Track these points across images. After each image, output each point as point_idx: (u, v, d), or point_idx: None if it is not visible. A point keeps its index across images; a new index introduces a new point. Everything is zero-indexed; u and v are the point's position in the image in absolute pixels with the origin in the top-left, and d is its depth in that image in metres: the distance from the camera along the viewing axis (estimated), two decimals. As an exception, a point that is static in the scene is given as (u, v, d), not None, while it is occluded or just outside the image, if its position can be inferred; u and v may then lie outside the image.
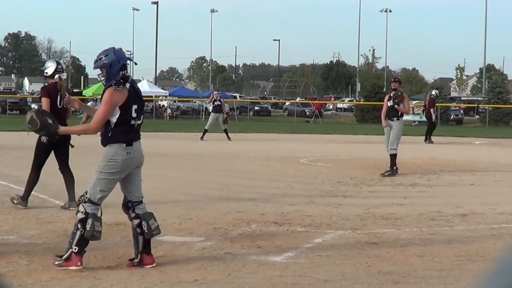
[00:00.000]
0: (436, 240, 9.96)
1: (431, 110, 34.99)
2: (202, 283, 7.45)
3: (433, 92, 39.78)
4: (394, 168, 18.41)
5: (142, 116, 8.28)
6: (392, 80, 20.62)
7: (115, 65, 8.14)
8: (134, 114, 8.12)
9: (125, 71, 8.24)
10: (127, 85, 8.13)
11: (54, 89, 12.07)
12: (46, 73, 12.25)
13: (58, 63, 12.52)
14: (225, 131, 32.65)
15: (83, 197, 8.15)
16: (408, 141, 29.67)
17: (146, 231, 8.12)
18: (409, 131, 37.88)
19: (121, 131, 8.06)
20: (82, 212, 8.03)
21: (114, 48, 8.35)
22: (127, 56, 8.43)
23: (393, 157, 18.48)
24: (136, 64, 9.15)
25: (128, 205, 8.24)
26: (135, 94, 8.17)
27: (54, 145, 12.18)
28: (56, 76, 12.13)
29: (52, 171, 17.48)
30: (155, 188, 15.05)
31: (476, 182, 17.50)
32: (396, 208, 12.85)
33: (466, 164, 22.40)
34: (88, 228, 7.93)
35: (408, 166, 20.87)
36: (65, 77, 12.44)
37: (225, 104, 35.02)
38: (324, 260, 8.58)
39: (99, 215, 8.07)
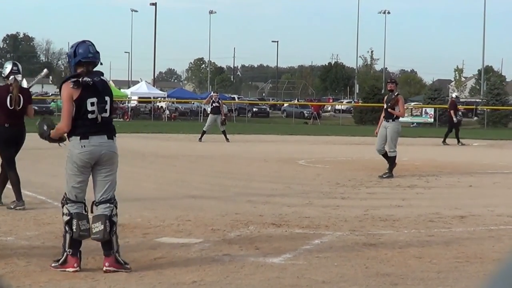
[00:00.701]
0: (435, 242, 9.96)
1: (451, 112, 35.04)
2: (200, 284, 7.45)
3: (453, 95, 39.95)
4: (392, 170, 18.40)
5: (107, 110, 8.14)
6: (388, 81, 20.44)
7: (71, 59, 8.22)
8: (90, 108, 8.04)
9: (87, 67, 8.13)
10: (86, 79, 8.02)
11: (5, 90, 12.17)
12: (4, 74, 12.40)
13: (14, 64, 12.58)
14: (224, 132, 32.65)
15: (64, 199, 8.15)
16: (407, 142, 29.69)
17: (74, 230, 7.95)
18: (407, 132, 37.95)
19: (78, 125, 8.06)
20: (66, 214, 8.04)
21: (81, 42, 8.29)
22: (92, 53, 8.18)
23: (392, 159, 18.46)
24: (101, 64, 8.91)
25: (95, 203, 8.19)
26: (94, 89, 8.06)
27: (13, 140, 12.21)
28: (11, 77, 12.25)
29: (50, 172, 17.51)
30: (154, 189, 15.07)
31: (475, 183, 17.50)
32: (394, 209, 12.85)
33: (464, 165, 22.40)
34: (74, 229, 7.93)
35: (407, 167, 20.87)
36: (19, 79, 12.45)
37: (223, 105, 34.98)
38: (322, 261, 8.58)
39: (84, 212, 8.07)
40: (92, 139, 8.05)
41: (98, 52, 8.31)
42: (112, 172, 8.19)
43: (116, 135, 8.36)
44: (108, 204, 8.08)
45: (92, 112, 8.07)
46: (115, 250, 8.00)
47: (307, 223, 11.24)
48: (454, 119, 34.07)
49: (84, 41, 8.30)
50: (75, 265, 7.92)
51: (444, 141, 33.93)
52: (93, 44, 8.32)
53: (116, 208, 8.19)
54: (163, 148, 27.70)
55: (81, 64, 8.14)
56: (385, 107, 18.73)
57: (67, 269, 7.85)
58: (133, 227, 10.40)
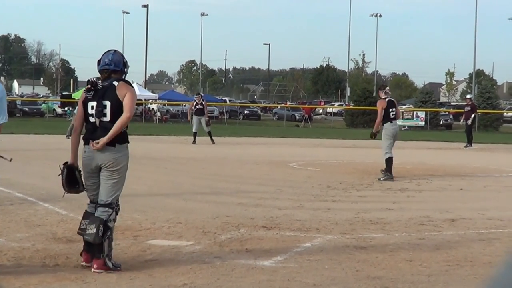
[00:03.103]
0: (425, 245, 9.97)
1: (466, 114, 35.48)
2: (191, 287, 7.44)
3: (468, 96, 40.05)
4: (389, 172, 18.51)
5: (106, 114, 8.17)
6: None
7: (98, 67, 8.50)
8: (90, 111, 8.24)
9: (103, 74, 8.36)
10: (91, 85, 8.25)
11: None
12: None
13: None
14: (209, 134, 32.69)
15: None
16: (397, 146, 29.67)
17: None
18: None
19: (85, 129, 8.37)
20: None
21: (107, 51, 8.57)
22: (107, 62, 8.37)
23: (387, 161, 18.52)
24: (120, 70, 9.05)
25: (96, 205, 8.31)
26: (96, 93, 8.22)
27: None
28: None
29: (41, 174, 17.47)
30: (144, 191, 15.05)
31: (465, 187, 17.53)
32: (385, 213, 12.86)
33: (455, 169, 22.45)
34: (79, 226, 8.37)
35: (398, 171, 20.89)
36: None
37: (207, 107, 34.90)
38: (313, 264, 8.59)
39: (91, 211, 8.28)
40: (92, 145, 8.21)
41: (119, 61, 8.45)
42: (113, 177, 8.25)
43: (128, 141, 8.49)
44: (106, 208, 8.19)
45: (92, 115, 8.22)
46: (105, 254, 8.06)
47: (298, 226, 11.24)
48: (468, 121, 34.76)
49: (109, 51, 8.55)
50: (82, 259, 8.24)
51: (470, 145, 34.56)
52: (116, 53, 8.54)
53: (117, 213, 8.32)
54: (154, 150, 27.67)
55: (101, 72, 8.39)
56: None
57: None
58: (123, 229, 10.39)
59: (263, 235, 10.36)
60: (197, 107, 33.00)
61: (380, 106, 19.08)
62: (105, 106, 8.18)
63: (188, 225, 11.06)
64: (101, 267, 8.01)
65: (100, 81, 8.28)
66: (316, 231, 10.82)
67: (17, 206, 12.44)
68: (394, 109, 19.13)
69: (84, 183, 8.39)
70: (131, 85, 8.54)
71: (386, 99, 19.15)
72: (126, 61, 8.55)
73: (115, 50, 8.58)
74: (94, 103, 8.20)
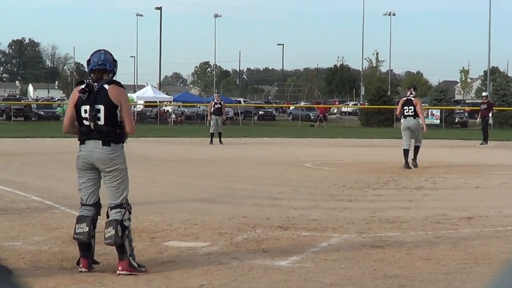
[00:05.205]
0: (442, 243, 9.94)
1: (483, 112, 35.58)
2: (208, 288, 7.45)
3: (484, 94, 40.01)
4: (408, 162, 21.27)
5: (100, 118, 8.19)
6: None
7: (87, 67, 8.60)
8: (83, 115, 8.26)
9: (96, 75, 8.37)
10: (84, 86, 8.26)
11: None
12: None
13: None
14: (219, 134, 32.83)
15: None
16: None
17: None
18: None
19: (80, 131, 8.38)
20: None
21: (96, 51, 8.58)
22: (101, 61, 8.38)
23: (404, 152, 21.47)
24: (112, 71, 9.04)
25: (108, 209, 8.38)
26: (88, 96, 8.21)
27: None
28: None
29: (57, 177, 17.53)
30: (160, 193, 15.08)
31: (482, 185, 17.47)
32: (401, 211, 12.84)
33: (471, 167, 22.38)
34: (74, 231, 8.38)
35: (413, 169, 20.89)
36: None
37: (226, 108, 35.09)
38: (329, 264, 8.58)
39: (85, 214, 8.33)
40: (88, 144, 8.28)
41: (110, 61, 8.47)
42: (116, 178, 8.29)
43: (126, 141, 8.51)
44: (118, 209, 8.22)
45: (86, 119, 8.27)
46: (128, 254, 8.09)
47: (314, 225, 11.23)
48: (490, 120, 35.07)
49: (98, 50, 8.56)
50: (81, 266, 8.16)
51: (486, 142, 34.66)
52: (106, 53, 8.52)
53: (130, 212, 8.35)
54: (169, 152, 27.72)
55: (93, 72, 8.40)
56: None
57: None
58: (140, 231, 10.41)
59: (280, 235, 10.36)
60: (215, 106, 33.14)
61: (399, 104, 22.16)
62: (98, 110, 8.21)
63: (204, 226, 11.07)
64: (126, 268, 8.03)
65: (95, 84, 8.28)
66: (333, 231, 10.81)
67: (34, 209, 12.49)
68: (406, 107, 21.47)
69: (78, 183, 8.42)
70: (122, 86, 8.54)
71: (404, 98, 21.80)
72: (115, 60, 8.59)
73: (104, 50, 8.58)
74: (87, 107, 8.22)
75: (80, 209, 8.43)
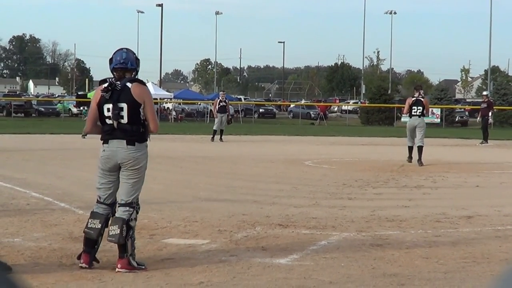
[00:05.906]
0: (441, 242, 9.95)
1: (483, 111, 35.61)
2: (207, 285, 7.45)
3: (484, 93, 40.04)
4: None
5: (123, 117, 8.21)
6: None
7: (109, 66, 8.49)
8: (106, 114, 8.26)
9: (118, 73, 8.35)
10: (107, 85, 8.27)
11: None
12: None
13: None
14: (221, 131, 33.02)
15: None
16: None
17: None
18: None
19: (103, 130, 8.37)
20: None
21: (119, 49, 8.55)
22: (122, 60, 8.36)
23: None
24: (135, 70, 9.03)
25: (117, 205, 8.37)
26: (111, 95, 8.22)
27: None
28: None
29: (57, 173, 17.53)
30: (160, 190, 15.07)
31: (481, 184, 17.48)
32: (401, 210, 12.84)
33: (471, 166, 22.39)
34: (86, 225, 8.37)
35: (413, 168, 20.90)
36: None
37: (229, 105, 35.29)
38: (329, 262, 8.58)
39: (101, 212, 8.32)
40: (111, 144, 8.26)
41: (132, 59, 8.45)
42: (133, 176, 8.30)
43: (149, 139, 8.55)
44: (127, 208, 8.23)
45: (109, 118, 8.25)
46: (129, 254, 8.11)
47: (314, 223, 11.24)
48: (490, 119, 35.14)
49: (121, 49, 8.54)
50: (82, 261, 8.14)
51: (486, 141, 34.67)
52: (128, 52, 8.51)
53: (137, 212, 8.36)
54: (170, 149, 27.70)
55: (115, 70, 8.38)
56: None
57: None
58: (140, 228, 10.38)
59: (279, 233, 10.36)
60: (220, 104, 33.31)
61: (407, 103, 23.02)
62: (121, 109, 8.20)
63: (204, 223, 11.07)
64: (125, 266, 8.04)
65: (118, 82, 8.28)
66: (332, 229, 10.81)
67: (34, 206, 12.49)
68: (414, 107, 22.36)
69: (98, 182, 8.41)
70: (144, 84, 8.58)
71: (412, 98, 22.65)
72: (138, 58, 8.58)
73: (127, 48, 8.56)
74: (110, 106, 8.21)
75: (96, 205, 8.42)
